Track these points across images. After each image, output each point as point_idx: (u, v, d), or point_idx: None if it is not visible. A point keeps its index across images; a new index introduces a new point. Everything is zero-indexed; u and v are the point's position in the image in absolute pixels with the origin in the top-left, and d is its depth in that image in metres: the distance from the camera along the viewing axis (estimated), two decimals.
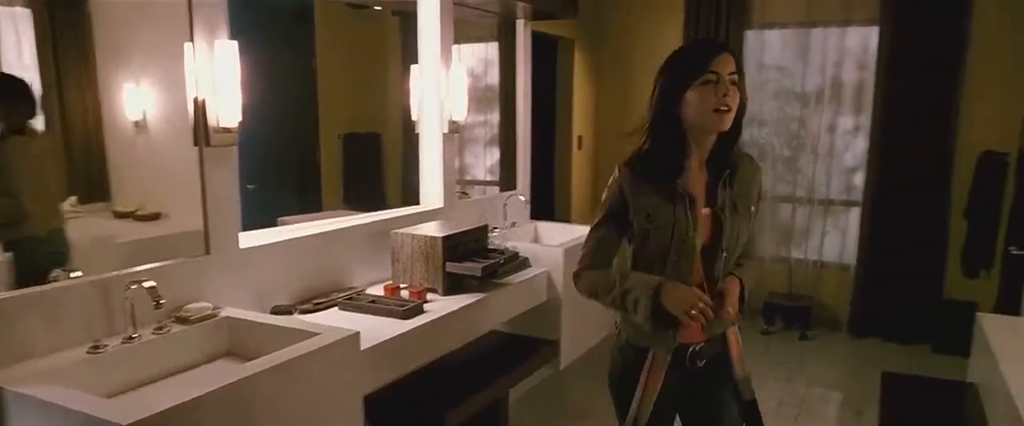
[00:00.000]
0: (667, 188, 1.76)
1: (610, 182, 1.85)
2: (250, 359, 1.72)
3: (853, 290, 5.06)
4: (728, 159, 1.82)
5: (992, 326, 3.09)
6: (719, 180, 1.80)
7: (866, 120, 4.95)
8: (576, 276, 1.92)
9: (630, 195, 1.79)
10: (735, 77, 1.71)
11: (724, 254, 1.80)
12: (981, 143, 4.51)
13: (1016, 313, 3.34)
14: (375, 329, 2.18)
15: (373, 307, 2.39)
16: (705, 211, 1.79)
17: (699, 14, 5.19)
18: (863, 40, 4.98)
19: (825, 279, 5.22)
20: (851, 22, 4.95)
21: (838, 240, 5.22)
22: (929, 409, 3.24)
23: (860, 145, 5.04)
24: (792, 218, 5.30)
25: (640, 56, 5.51)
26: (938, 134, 4.65)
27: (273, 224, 2.55)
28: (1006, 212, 4.08)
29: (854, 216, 5.10)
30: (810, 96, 5.15)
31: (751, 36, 5.22)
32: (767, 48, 5.24)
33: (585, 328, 3.83)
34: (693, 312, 1.68)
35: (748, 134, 5.28)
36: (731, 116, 1.72)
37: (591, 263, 1.88)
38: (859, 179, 5.05)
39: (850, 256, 5.12)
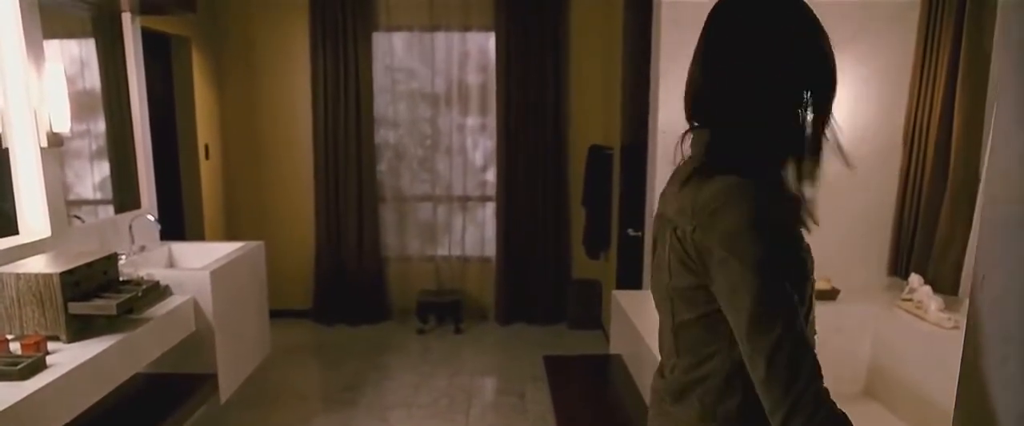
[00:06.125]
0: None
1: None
2: None
3: (495, 281, 5.38)
4: None
5: (627, 301, 3.50)
6: None
7: (492, 120, 5.27)
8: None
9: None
10: None
11: None
12: (588, 139, 5.13)
13: (635, 287, 3.83)
14: None
15: None
16: None
17: (325, 14, 5.02)
18: (482, 45, 5.29)
19: (470, 273, 5.47)
20: (470, 28, 5.23)
21: (478, 234, 5.50)
22: (587, 382, 3.60)
23: (488, 144, 5.36)
24: (433, 216, 5.44)
25: (265, 57, 5.15)
26: (553, 131, 5.17)
27: None
28: (617, 199, 4.67)
29: (490, 211, 5.42)
30: (439, 97, 5.32)
31: (378, 38, 5.21)
32: (394, 50, 5.28)
33: (242, 355, 3.56)
34: None
35: (382, 136, 5.28)
36: None
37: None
38: (491, 175, 5.38)
39: (490, 249, 5.44)
